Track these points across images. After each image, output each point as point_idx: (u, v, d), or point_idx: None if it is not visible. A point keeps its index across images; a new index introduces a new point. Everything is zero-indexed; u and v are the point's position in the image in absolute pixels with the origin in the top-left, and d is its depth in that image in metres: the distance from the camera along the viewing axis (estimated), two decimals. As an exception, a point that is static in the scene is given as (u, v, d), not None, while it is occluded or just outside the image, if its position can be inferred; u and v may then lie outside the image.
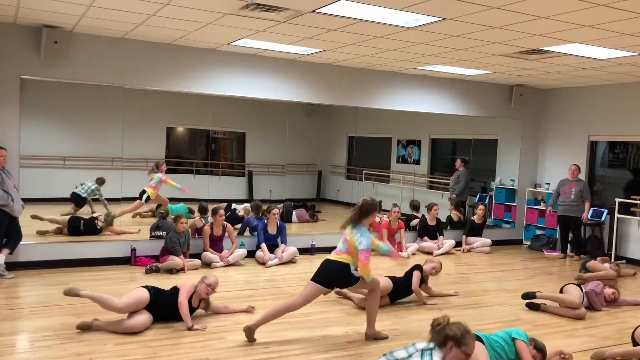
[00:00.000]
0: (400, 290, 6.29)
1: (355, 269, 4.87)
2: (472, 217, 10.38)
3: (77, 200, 9.31)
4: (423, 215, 10.11)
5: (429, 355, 3.23)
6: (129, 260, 7.67)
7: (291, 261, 8.30)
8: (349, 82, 9.25)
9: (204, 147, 11.89)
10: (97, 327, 4.95)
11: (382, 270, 6.77)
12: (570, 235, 9.78)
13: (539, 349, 4.36)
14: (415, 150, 12.09)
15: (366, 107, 9.65)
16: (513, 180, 11.12)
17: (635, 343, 4.82)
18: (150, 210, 9.70)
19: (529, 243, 10.81)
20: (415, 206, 10.46)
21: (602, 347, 4.98)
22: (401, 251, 9.28)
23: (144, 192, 9.25)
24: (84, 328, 4.94)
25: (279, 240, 8.39)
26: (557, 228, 10.21)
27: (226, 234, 8.12)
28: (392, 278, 6.28)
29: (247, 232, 8.91)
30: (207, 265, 7.78)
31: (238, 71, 8.40)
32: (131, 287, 5.66)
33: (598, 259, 8.25)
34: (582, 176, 9.81)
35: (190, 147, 11.94)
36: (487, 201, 11.22)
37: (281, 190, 11.29)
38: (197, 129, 11.59)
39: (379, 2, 5.28)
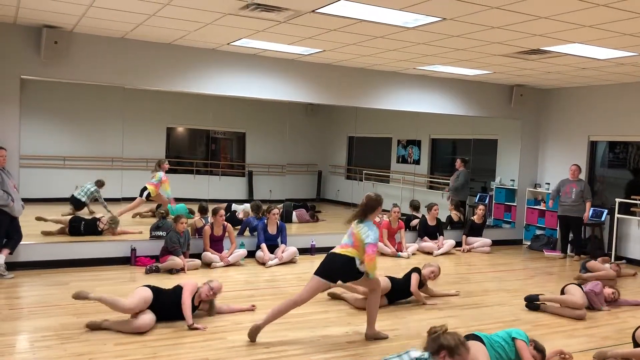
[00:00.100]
0: (399, 292, 6.28)
1: (361, 263, 4.87)
2: (472, 217, 10.38)
3: (77, 204, 9.30)
4: (423, 215, 10.11)
5: None
6: (129, 260, 7.67)
7: (291, 261, 8.30)
8: (349, 82, 9.25)
9: (204, 147, 11.89)
10: (106, 327, 4.95)
11: (380, 270, 6.74)
12: (571, 235, 9.79)
13: (539, 349, 4.36)
14: (415, 150, 12.10)
15: (366, 107, 9.65)
16: (513, 180, 11.12)
17: (636, 344, 4.82)
18: (150, 210, 9.70)
19: (529, 243, 10.81)
20: (415, 206, 10.47)
21: (603, 347, 4.97)
22: (401, 251, 9.29)
23: (145, 188, 9.24)
24: (94, 327, 4.96)
25: (279, 240, 8.39)
26: (557, 228, 10.22)
27: (226, 234, 8.12)
28: (391, 278, 6.28)
29: (247, 232, 8.91)
30: (207, 265, 7.78)
31: (238, 71, 8.40)
32: (131, 287, 5.67)
33: (599, 259, 8.25)
34: (582, 176, 9.81)
35: (190, 147, 11.94)
36: (487, 201, 11.22)
37: (281, 191, 11.29)
38: (197, 129, 11.59)
39: (379, 2, 5.28)
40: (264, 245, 8.20)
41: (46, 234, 8.08)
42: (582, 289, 6.28)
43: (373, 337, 5.11)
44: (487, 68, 8.74)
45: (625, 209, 9.47)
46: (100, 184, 9.40)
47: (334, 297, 6.33)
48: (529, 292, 6.70)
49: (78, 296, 4.96)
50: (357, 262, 4.87)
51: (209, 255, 7.86)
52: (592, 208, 9.54)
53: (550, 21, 5.70)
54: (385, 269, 7.00)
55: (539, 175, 11.12)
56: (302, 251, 8.70)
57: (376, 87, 9.51)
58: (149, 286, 5.24)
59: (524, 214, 11.05)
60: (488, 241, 10.13)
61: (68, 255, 7.45)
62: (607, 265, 7.86)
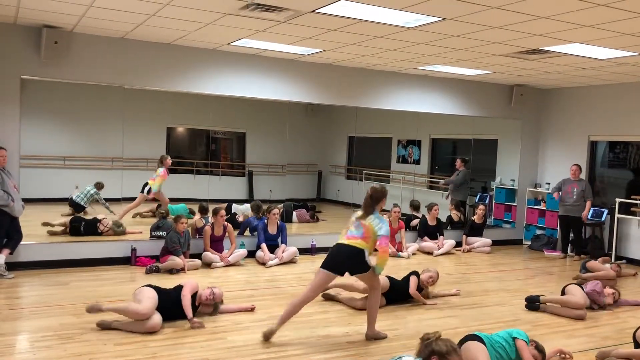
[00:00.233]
0: (398, 293, 6.26)
1: (369, 255, 4.89)
2: (472, 217, 10.39)
3: (76, 207, 9.30)
4: (423, 215, 10.11)
5: None
6: (129, 260, 7.67)
7: (291, 261, 8.30)
8: (349, 82, 9.25)
9: (204, 147, 11.88)
10: (116, 327, 4.96)
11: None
12: (571, 235, 9.79)
13: (540, 350, 4.36)
14: (415, 150, 12.10)
15: (366, 107, 9.65)
16: (513, 180, 11.12)
17: (636, 344, 4.81)
18: (150, 210, 9.70)
19: (529, 243, 10.81)
20: (415, 206, 10.47)
21: (603, 347, 4.97)
22: (401, 251, 9.29)
23: (146, 184, 9.24)
24: (104, 327, 4.96)
25: (279, 240, 8.39)
26: (558, 228, 10.22)
27: (226, 234, 8.12)
28: (390, 278, 6.27)
29: (247, 232, 8.91)
30: (208, 265, 7.78)
31: (238, 71, 8.40)
32: (132, 288, 5.67)
33: (599, 259, 8.26)
34: (583, 176, 9.81)
35: (190, 147, 11.92)
36: (487, 201, 11.22)
37: (281, 190, 11.29)
38: (197, 129, 11.58)
39: (379, 2, 5.28)
40: (264, 245, 8.20)
41: (52, 233, 8.15)
42: (583, 289, 6.29)
43: (373, 337, 5.11)
44: (487, 68, 8.74)
45: (626, 209, 9.47)
46: (99, 186, 9.39)
47: (328, 298, 6.29)
48: (529, 292, 6.71)
49: (92, 309, 4.99)
50: (367, 253, 4.88)
51: (209, 255, 7.86)
52: (592, 208, 9.55)
53: (550, 21, 5.70)
54: (385, 269, 6.98)
55: (539, 175, 11.12)
56: (303, 251, 8.70)
57: (376, 87, 9.51)
58: (150, 286, 5.25)
59: (524, 214, 11.05)
60: (488, 241, 10.13)
61: (68, 255, 7.46)
62: (607, 265, 7.87)
